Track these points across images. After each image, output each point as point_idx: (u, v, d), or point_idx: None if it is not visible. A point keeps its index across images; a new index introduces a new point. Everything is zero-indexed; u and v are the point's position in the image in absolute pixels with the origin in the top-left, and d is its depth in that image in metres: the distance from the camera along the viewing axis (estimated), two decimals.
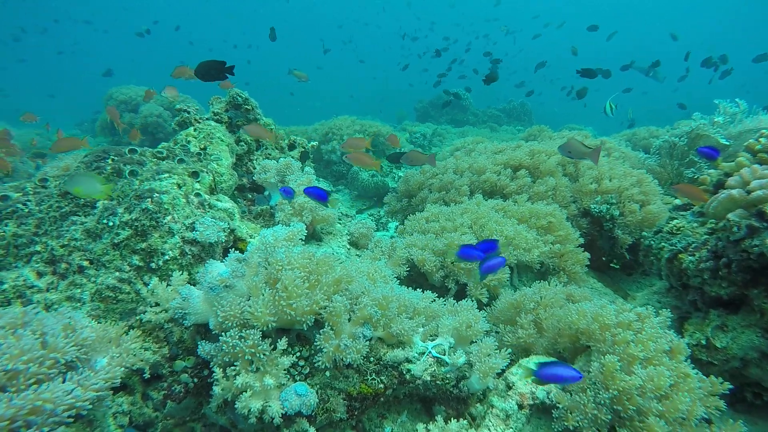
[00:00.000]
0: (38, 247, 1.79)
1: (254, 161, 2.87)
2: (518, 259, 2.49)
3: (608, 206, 3.08)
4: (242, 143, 2.81)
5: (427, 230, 2.80)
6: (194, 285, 1.78)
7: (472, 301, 1.80)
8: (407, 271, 2.40)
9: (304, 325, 1.48)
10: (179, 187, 1.97)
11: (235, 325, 1.44)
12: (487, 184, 3.27)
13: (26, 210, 1.89)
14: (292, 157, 3.19)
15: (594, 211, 3.09)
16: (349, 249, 2.62)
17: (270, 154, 2.92)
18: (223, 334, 1.41)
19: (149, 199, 1.82)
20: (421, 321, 1.65)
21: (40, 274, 1.75)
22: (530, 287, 2.14)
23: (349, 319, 1.53)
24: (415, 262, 2.49)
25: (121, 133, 7.49)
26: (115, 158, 2.03)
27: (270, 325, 1.45)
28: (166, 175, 2.00)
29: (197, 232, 1.80)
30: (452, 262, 2.45)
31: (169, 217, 1.81)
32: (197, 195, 2.01)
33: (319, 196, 2.08)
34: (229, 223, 2.00)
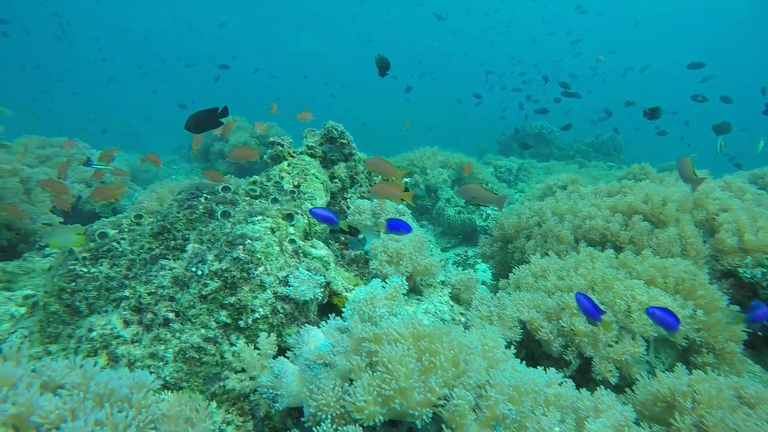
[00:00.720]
0: (127, 292, 1.66)
1: (348, 200, 2.67)
2: (658, 332, 2.02)
3: (765, 270, 2.49)
4: (336, 180, 2.62)
5: (536, 287, 2.41)
6: (284, 349, 1.54)
7: (607, 391, 1.41)
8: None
9: (418, 422, 1.17)
10: (273, 231, 1.78)
11: (331, 416, 1.16)
12: (594, 232, 2.81)
13: (119, 249, 1.79)
14: None
15: (744, 276, 2.52)
16: (452, 306, 2.29)
17: (365, 193, 2.70)
18: (316, 428, 1.14)
19: (241, 247, 1.63)
20: (555, 418, 1.28)
21: (126, 323, 1.61)
22: (671, 369, 1.69)
23: (475, 419, 1.20)
24: (528, 326, 2.11)
25: (212, 159, 7.86)
26: (208, 197, 1.89)
27: (377, 419, 1.16)
28: (260, 217, 1.82)
29: (291, 288, 1.58)
30: (572, 330, 2.05)
31: (261, 269, 1.60)
32: (291, 241, 1.80)
33: (403, 228, 1.78)
34: (324, 275, 1.76)
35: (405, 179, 3.42)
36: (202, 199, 1.86)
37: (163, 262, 1.71)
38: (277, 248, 1.70)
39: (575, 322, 2.04)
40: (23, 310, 2.51)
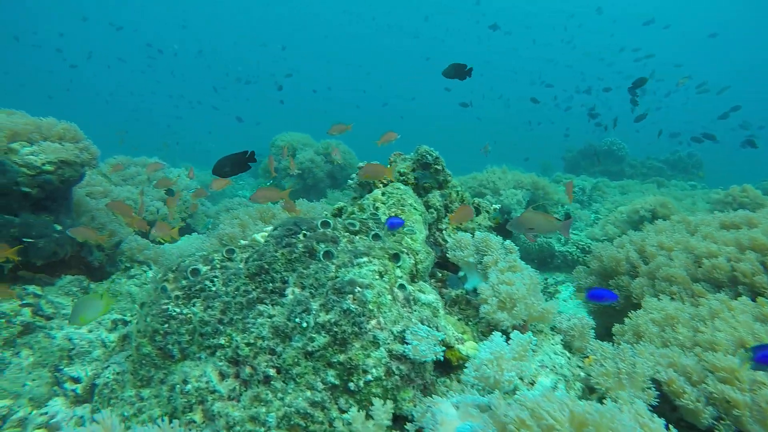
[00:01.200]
0: (223, 340, 1.51)
1: (444, 231, 2.43)
2: None
3: None
4: (431, 210, 2.39)
5: (664, 339, 2.06)
6: (399, 417, 1.31)
7: None
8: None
9: None
10: (381, 276, 1.57)
11: None
12: (720, 273, 2.38)
13: (213, 289, 1.65)
14: (479, 224, 2.70)
15: None
16: (569, 358, 1.98)
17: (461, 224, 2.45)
18: None
19: (351, 296, 1.43)
20: None
21: (223, 376, 1.45)
22: None
23: None
24: (665, 388, 1.77)
25: (278, 177, 7.93)
26: (307, 233, 1.72)
27: None
28: (365, 259, 1.62)
29: (410, 347, 1.35)
30: (726, 399, 1.68)
31: (373, 322, 1.39)
32: (401, 287, 1.58)
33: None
34: (437, 326, 1.52)
35: (494, 205, 3.15)
36: (301, 236, 1.69)
37: (261, 307, 1.54)
38: (389, 297, 1.48)
39: (729, 391, 1.68)
40: (113, 337, 2.47)
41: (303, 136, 7.95)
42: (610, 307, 2.79)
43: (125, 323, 2.71)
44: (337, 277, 1.54)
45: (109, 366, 1.82)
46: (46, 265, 2.94)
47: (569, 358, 1.99)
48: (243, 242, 2.57)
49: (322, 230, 1.72)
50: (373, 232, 1.84)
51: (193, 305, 1.63)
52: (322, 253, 1.62)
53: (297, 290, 1.56)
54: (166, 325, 1.60)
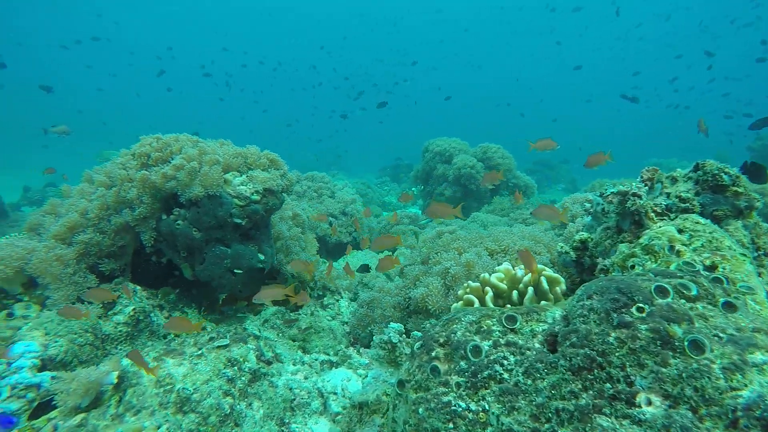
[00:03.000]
0: None
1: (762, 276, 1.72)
2: None
3: None
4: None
5: None
6: None
7: None
8: None
9: None
10: None
11: None
12: None
13: (510, 381, 1.21)
14: None
15: None
16: None
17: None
18: None
19: None
20: None
21: None
22: None
23: None
24: None
25: (432, 183, 7.58)
26: (645, 306, 1.18)
27: None
28: (759, 354, 1.03)
29: None
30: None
31: None
32: None
33: None
34: None
35: None
36: (635, 311, 1.16)
37: (603, 422, 1.05)
38: None
39: None
40: (329, 387, 2.25)
41: (457, 141, 7.49)
42: None
43: (332, 364, 2.49)
44: (734, 387, 0.98)
45: None
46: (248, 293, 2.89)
47: None
48: (473, 284, 2.15)
49: (665, 302, 1.18)
50: (723, 300, 1.24)
51: (484, 399, 1.21)
52: (687, 340, 1.08)
53: (656, 399, 1.04)
54: (451, 425, 1.21)
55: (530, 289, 2.04)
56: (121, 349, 2.41)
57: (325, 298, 3.18)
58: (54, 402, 1.93)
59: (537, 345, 1.27)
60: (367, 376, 2.37)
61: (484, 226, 5.29)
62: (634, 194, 1.95)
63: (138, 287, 2.69)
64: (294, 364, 2.38)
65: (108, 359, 2.24)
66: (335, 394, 2.18)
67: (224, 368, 1.97)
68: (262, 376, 2.10)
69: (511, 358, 1.26)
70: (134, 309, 2.52)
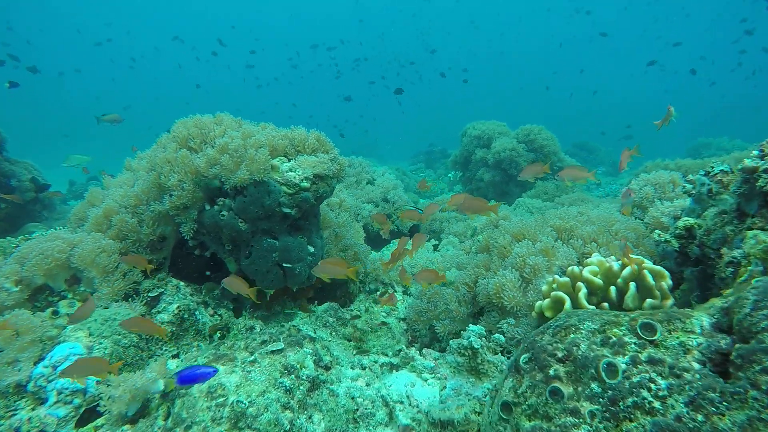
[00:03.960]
0: None
1: None
2: None
3: None
4: None
5: None
6: None
7: None
8: None
9: None
10: None
11: None
12: None
13: (666, 414, 0.93)
14: None
15: None
16: None
17: None
18: None
19: None
20: None
21: None
22: None
23: None
24: None
25: (472, 168, 7.22)
26: None
27: None
28: None
29: None
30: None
31: None
32: None
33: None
34: None
35: None
36: None
37: None
38: None
39: None
40: (393, 394, 2.01)
41: (498, 124, 7.07)
42: None
43: (392, 366, 2.25)
44: None
45: None
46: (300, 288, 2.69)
47: None
48: (561, 279, 1.86)
49: None
50: None
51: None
52: None
53: None
54: None
55: (632, 285, 1.74)
56: (166, 350, 2.24)
57: (378, 293, 2.95)
58: (99, 408, 1.77)
59: (695, 365, 0.98)
60: (432, 381, 2.12)
61: (531, 212, 4.93)
62: (766, 170, 1.60)
63: (181, 283, 2.52)
64: (353, 368, 2.16)
65: (154, 361, 2.07)
66: (401, 403, 1.94)
67: (281, 377, 1.76)
68: (321, 383, 1.88)
69: (661, 382, 0.98)
70: (178, 306, 2.34)
